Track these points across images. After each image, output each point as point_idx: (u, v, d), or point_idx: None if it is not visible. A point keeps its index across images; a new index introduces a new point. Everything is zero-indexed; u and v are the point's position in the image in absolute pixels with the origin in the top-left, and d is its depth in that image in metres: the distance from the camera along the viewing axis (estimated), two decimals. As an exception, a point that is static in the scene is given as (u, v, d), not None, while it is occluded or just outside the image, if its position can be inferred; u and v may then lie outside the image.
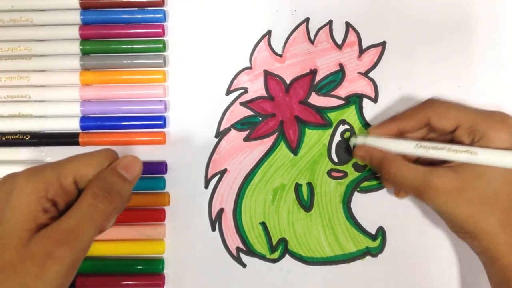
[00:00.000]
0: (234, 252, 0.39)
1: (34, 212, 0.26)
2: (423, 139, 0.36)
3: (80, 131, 0.40)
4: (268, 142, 0.40)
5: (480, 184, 0.32)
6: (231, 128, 0.40)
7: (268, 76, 0.40)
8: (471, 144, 0.32)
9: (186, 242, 0.40)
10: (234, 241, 0.40)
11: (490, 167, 0.31)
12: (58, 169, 0.27)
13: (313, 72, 0.40)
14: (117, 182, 0.28)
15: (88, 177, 0.28)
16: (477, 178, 0.32)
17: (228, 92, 0.40)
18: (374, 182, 0.40)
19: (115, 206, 0.28)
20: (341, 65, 0.40)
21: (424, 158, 0.35)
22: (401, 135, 0.36)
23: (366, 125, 0.40)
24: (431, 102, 0.35)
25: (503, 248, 0.31)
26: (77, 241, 0.26)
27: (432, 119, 0.34)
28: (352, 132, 0.40)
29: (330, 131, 0.40)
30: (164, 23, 0.41)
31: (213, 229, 0.40)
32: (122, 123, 0.40)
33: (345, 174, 0.40)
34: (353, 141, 0.38)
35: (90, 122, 0.40)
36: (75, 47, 0.40)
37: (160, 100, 0.40)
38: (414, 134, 0.37)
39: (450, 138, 0.34)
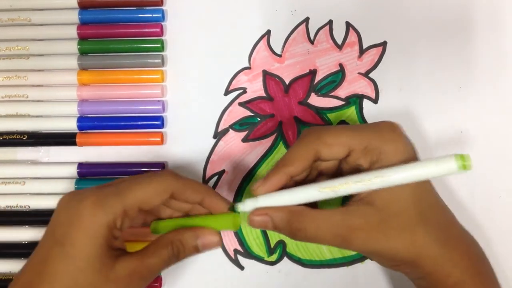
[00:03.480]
0: (231, 254, 0.39)
1: (110, 241, 0.28)
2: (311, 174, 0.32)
3: (78, 131, 0.40)
4: (267, 143, 0.40)
5: (398, 208, 0.28)
6: (230, 129, 0.40)
7: (267, 76, 0.40)
8: (371, 165, 0.29)
9: (183, 244, 0.39)
10: (232, 243, 0.39)
11: (397, 188, 0.28)
12: (124, 200, 0.29)
13: (313, 73, 0.40)
14: (192, 252, 0.31)
15: (151, 206, 0.30)
16: (392, 203, 0.28)
17: (227, 92, 0.40)
18: (374, 184, 0.39)
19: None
20: (341, 65, 0.40)
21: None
22: (293, 181, 0.31)
23: (366, 126, 0.39)
24: (315, 133, 0.30)
25: (448, 266, 0.28)
26: (151, 279, 0.30)
27: (322, 151, 0.29)
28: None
29: (330, 132, 0.39)
30: (162, 23, 0.40)
31: (211, 231, 0.39)
32: (120, 123, 0.40)
33: (345, 176, 0.39)
34: (240, 209, 0.30)
35: (87, 122, 0.40)
36: (73, 47, 0.40)
37: (158, 100, 0.40)
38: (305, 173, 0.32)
39: (339, 165, 0.31)
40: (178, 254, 0.30)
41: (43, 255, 0.28)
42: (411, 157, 0.29)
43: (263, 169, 0.39)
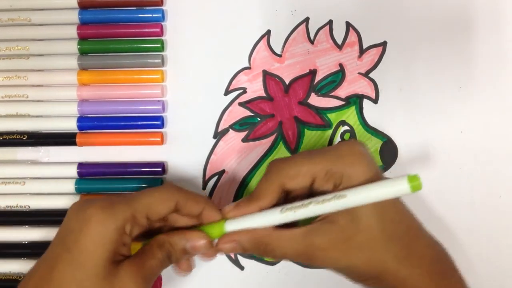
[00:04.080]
0: (232, 254, 0.39)
1: (118, 247, 0.29)
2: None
3: (78, 131, 0.40)
4: (266, 143, 0.40)
5: (361, 226, 0.29)
6: (230, 129, 0.40)
7: (267, 76, 0.40)
8: (334, 188, 0.29)
9: (183, 244, 0.39)
10: (232, 243, 0.39)
11: (359, 206, 0.29)
12: (133, 206, 0.29)
13: (313, 73, 0.40)
14: (181, 254, 0.31)
15: (158, 214, 0.30)
16: (354, 221, 0.29)
17: (227, 92, 0.40)
18: (374, 184, 0.39)
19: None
20: (341, 65, 0.40)
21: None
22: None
23: (366, 126, 0.39)
24: (277, 167, 0.30)
25: (409, 281, 0.29)
26: (153, 280, 0.30)
27: (287, 184, 0.30)
28: (352, 134, 0.39)
29: (330, 132, 0.39)
30: (162, 23, 0.40)
31: (211, 231, 0.39)
32: (120, 123, 0.40)
33: (345, 176, 0.39)
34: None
35: (87, 122, 0.40)
36: (73, 47, 0.40)
37: (158, 100, 0.40)
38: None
39: (311, 192, 0.31)
40: (170, 256, 0.31)
41: (52, 261, 0.28)
42: (373, 177, 0.29)
43: (263, 169, 0.39)
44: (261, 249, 0.31)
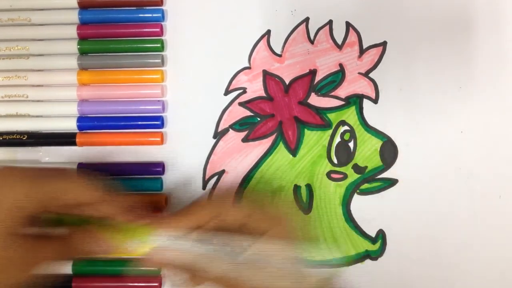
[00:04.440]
0: (231, 254, 0.39)
1: (28, 217, 0.28)
2: None
3: (78, 131, 0.40)
4: (266, 143, 0.40)
5: None
6: (230, 129, 0.40)
7: (267, 76, 0.40)
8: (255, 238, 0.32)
9: (183, 244, 0.39)
10: (232, 243, 0.39)
11: None
12: (49, 186, 0.29)
13: (313, 72, 0.40)
14: (83, 254, 0.32)
15: (77, 200, 0.30)
16: None
17: (227, 92, 0.40)
18: (374, 184, 0.39)
19: None
20: (341, 65, 0.40)
21: None
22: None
23: (366, 126, 0.39)
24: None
25: None
26: (60, 262, 0.32)
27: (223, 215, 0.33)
28: (352, 134, 0.39)
29: (330, 132, 0.39)
30: (162, 23, 0.40)
31: (211, 231, 0.39)
32: (120, 123, 0.40)
33: (345, 176, 0.39)
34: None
35: (87, 122, 0.40)
36: (73, 47, 0.40)
37: (158, 100, 0.40)
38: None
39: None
40: (88, 249, 0.31)
41: None
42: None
43: (263, 169, 0.39)
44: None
